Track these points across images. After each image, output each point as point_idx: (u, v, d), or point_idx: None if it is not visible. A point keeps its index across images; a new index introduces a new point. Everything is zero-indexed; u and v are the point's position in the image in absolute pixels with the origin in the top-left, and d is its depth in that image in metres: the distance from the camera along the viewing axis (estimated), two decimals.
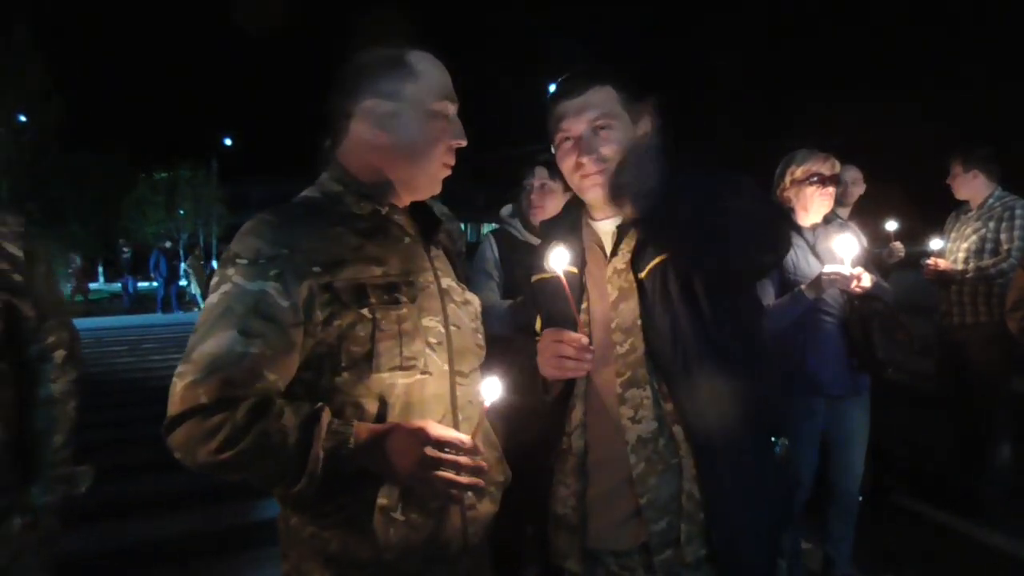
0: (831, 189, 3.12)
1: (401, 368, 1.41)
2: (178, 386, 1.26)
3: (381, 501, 1.38)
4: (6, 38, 22.37)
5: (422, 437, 1.28)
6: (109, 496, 4.62)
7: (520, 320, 1.81)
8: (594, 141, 1.69)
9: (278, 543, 1.51)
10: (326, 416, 1.30)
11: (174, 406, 1.26)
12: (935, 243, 4.44)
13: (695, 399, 1.60)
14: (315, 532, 1.41)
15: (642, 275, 1.66)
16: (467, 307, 1.65)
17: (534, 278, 1.90)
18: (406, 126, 1.51)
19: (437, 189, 1.60)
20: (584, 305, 1.76)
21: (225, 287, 1.34)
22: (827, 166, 3.11)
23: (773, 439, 1.70)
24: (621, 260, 1.73)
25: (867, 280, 2.75)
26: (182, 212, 36.48)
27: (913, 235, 5.12)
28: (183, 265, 24.53)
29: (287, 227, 1.40)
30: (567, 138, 1.73)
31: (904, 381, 5.20)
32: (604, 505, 1.68)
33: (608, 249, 1.76)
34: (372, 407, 1.40)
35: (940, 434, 4.92)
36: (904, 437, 5.37)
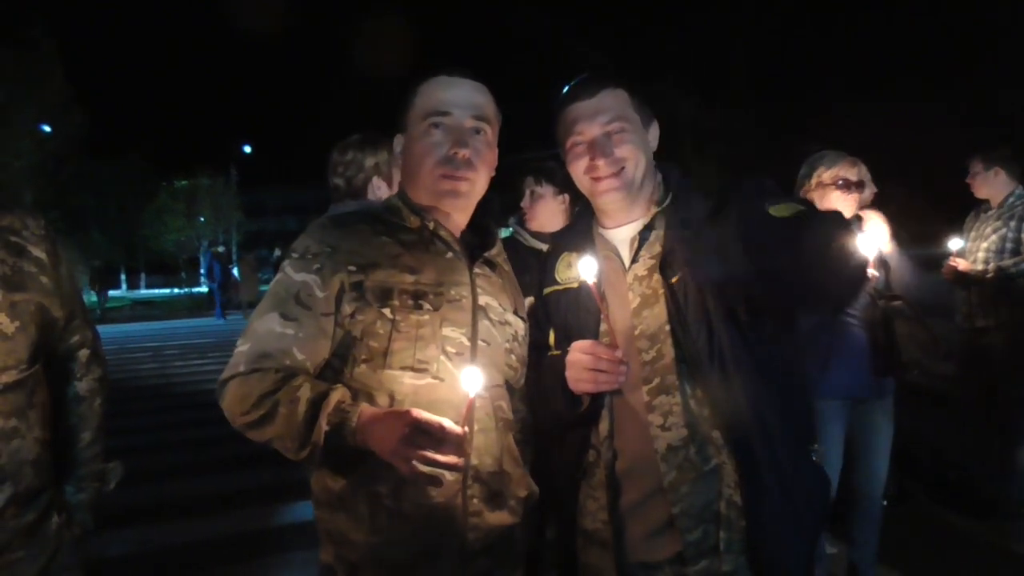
0: (856, 195, 3.10)
1: (413, 369, 1.51)
2: (233, 354, 1.50)
3: (377, 488, 1.49)
4: (29, 49, 22.67)
5: (406, 419, 1.31)
6: (137, 500, 4.69)
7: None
8: (608, 144, 1.68)
9: (304, 547, 1.58)
10: (336, 394, 1.42)
11: (225, 372, 1.49)
12: (954, 243, 4.38)
13: (735, 403, 1.57)
14: (320, 515, 1.58)
15: (674, 280, 1.63)
16: (504, 327, 1.68)
17: (547, 290, 1.86)
18: (406, 151, 1.69)
19: (449, 199, 1.64)
20: (603, 317, 1.73)
21: (279, 276, 1.57)
22: (854, 171, 3.09)
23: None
24: (643, 266, 1.70)
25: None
26: (202, 219, 36.78)
27: (930, 237, 5.09)
28: (234, 270, 24.67)
29: (335, 230, 1.60)
30: (578, 143, 1.71)
31: (927, 384, 5.16)
32: (635, 516, 1.66)
33: (627, 256, 1.74)
34: (383, 401, 1.50)
35: (963, 438, 4.87)
36: (927, 441, 5.32)
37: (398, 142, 1.73)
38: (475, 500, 1.56)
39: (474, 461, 1.55)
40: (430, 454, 1.27)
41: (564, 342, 1.73)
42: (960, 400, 4.86)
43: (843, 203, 3.10)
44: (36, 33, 22.85)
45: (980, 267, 4.30)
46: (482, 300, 1.64)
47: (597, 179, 1.70)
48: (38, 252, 1.71)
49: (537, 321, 1.85)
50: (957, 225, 4.65)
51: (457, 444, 1.28)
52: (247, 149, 39.63)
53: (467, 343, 1.57)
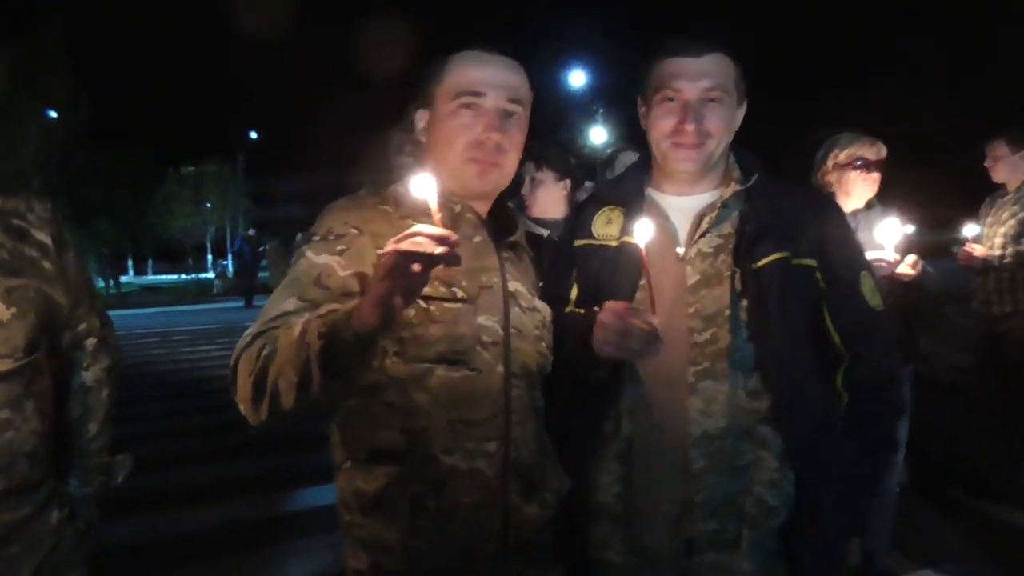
0: (876, 175, 3.03)
1: (447, 361, 1.43)
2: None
3: (417, 488, 1.42)
4: (35, 38, 22.62)
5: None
6: (145, 487, 4.67)
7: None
8: (702, 111, 1.61)
9: (319, 533, 1.53)
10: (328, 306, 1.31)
11: (233, 356, 1.35)
12: (970, 229, 4.31)
13: (804, 404, 1.55)
14: (351, 520, 1.48)
15: (758, 265, 1.57)
16: (533, 314, 1.61)
17: (578, 242, 1.78)
18: (432, 130, 1.59)
19: (477, 186, 1.57)
20: (641, 282, 1.66)
21: (299, 260, 1.46)
22: (873, 151, 3.03)
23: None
24: (708, 243, 1.64)
25: (907, 267, 2.67)
26: (209, 206, 36.83)
27: (943, 223, 5.01)
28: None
29: (359, 211, 1.51)
30: (671, 99, 1.63)
31: (944, 373, 5.10)
32: (648, 496, 1.62)
33: (684, 228, 1.67)
34: (417, 395, 1.42)
35: (977, 426, 4.82)
36: (940, 429, 5.27)
37: (421, 117, 1.63)
38: (514, 495, 1.49)
39: (512, 453, 1.49)
40: (421, 241, 1.08)
41: (588, 301, 1.67)
42: (975, 387, 4.80)
43: (862, 183, 3.04)
44: (43, 22, 22.84)
45: (997, 252, 4.23)
46: (511, 286, 1.57)
47: (679, 145, 1.63)
48: (42, 236, 1.65)
49: (557, 272, 1.78)
50: (973, 210, 4.58)
51: (451, 243, 1.10)
52: (253, 136, 39.59)
53: (501, 332, 1.50)
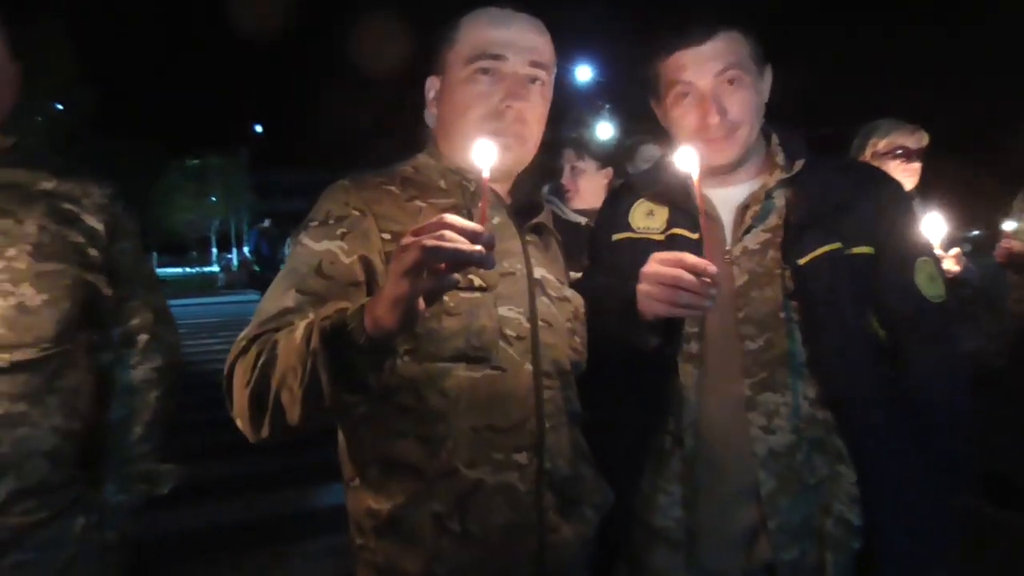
0: (916, 164, 2.88)
1: (467, 359, 1.27)
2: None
3: (435, 507, 1.24)
4: (38, 26, 22.58)
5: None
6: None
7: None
8: (723, 98, 1.46)
9: (328, 533, 1.36)
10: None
11: (227, 361, 1.18)
12: (1009, 224, 4.15)
13: (865, 414, 1.39)
14: (363, 543, 1.31)
15: (802, 261, 1.42)
16: (564, 304, 1.43)
17: (617, 236, 1.62)
18: (444, 99, 1.43)
19: (496, 162, 1.27)
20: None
21: (296, 249, 1.30)
22: (913, 139, 2.87)
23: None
24: (755, 239, 1.49)
25: (953, 263, 2.52)
26: (213, 199, 36.78)
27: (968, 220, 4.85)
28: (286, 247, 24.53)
29: (361, 192, 1.34)
30: (685, 93, 1.48)
31: (981, 374, 4.96)
32: (716, 520, 1.46)
33: (729, 222, 1.52)
34: (434, 400, 1.25)
35: (1011, 426, 4.67)
36: (976, 434, 5.12)
37: (431, 85, 1.47)
38: (550, 513, 1.30)
39: (546, 464, 1.31)
40: (451, 236, 0.90)
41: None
42: (1009, 386, 4.64)
43: (902, 174, 2.88)
44: (44, 10, 22.80)
45: None
46: (537, 273, 1.39)
47: (707, 141, 1.47)
48: (93, 222, 1.54)
49: (602, 265, 1.62)
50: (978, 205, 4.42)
51: (486, 241, 0.92)
52: (258, 128, 39.54)
53: (527, 324, 1.33)
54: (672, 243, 1.51)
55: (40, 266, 1.44)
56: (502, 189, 1.46)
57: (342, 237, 1.27)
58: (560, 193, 3.14)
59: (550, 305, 1.39)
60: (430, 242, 0.88)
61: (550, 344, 1.36)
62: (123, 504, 1.61)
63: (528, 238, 1.43)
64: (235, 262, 34.25)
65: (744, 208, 1.51)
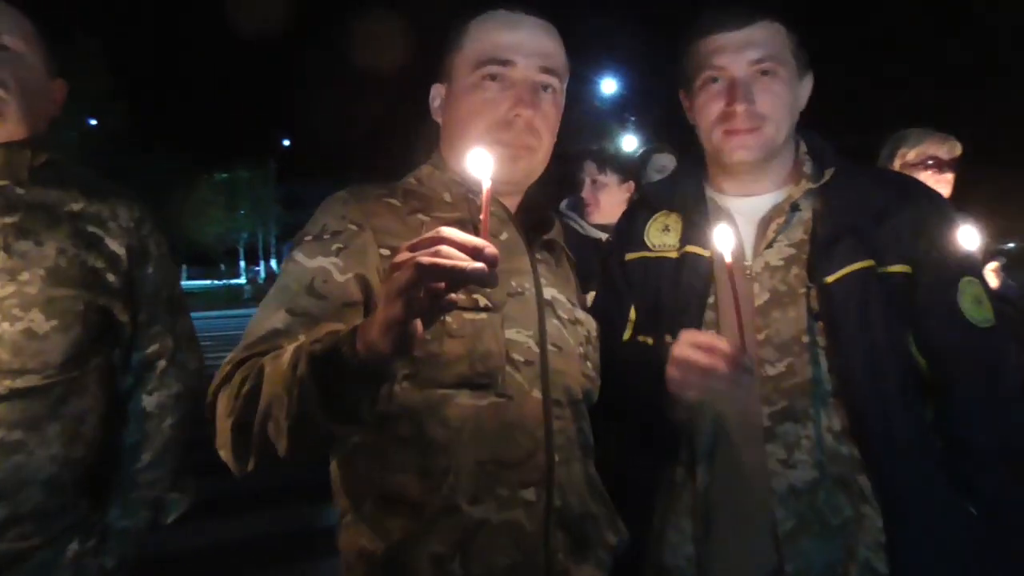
0: (949, 175, 2.79)
1: (471, 385, 1.17)
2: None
3: (434, 548, 1.14)
4: (72, 44, 23.07)
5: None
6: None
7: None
8: (754, 88, 1.36)
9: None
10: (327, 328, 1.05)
11: (210, 388, 1.10)
12: None
13: (899, 447, 1.27)
14: None
15: (830, 279, 1.31)
16: (575, 327, 1.35)
17: (630, 256, 1.53)
18: (449, 107, 1.35)
19: (505, 174, 1.24)
20: (710, 300, 1.41)
21: (288, 266, 1.21)
22: (945, 148, 2.78)
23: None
24: (778, 254, 1.38)
25: (993, 278, 2.45)
26: (242, 212, 37.17)
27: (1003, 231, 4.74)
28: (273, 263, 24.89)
29: (358, 203, 1.25)
30: (715, 79, 1.39)
31: None
32: (730, 560, 1.34)
33: (751, 235, 1.42)
34: (434, 430, 1.16)
35: None
36: None
37: (436, 93, 1.39)
38: (559, 555, 1.21)
39: (556, 501, 1.21)
40: (449, 252, 0.80)
41: (648, 325, 1.45)
42: None
43: (934, 185, 2.79)
44: (76, 28, 23.34)
45: None
46: (547, 293, 1.31)
47: (730, 133, 1.38)
48: (116, 247, 1.52)
49: (615, 290, 1.53)
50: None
51: (488, 258, 0.80)
52: (286, 142, 39.94)
53: (535, 348, 1.24)
54: (685, 260, 1.44)
55: (52, 291, 1.42)
56: (511, 203, 1.38)
57: (337, 253, 1.18)
58: (580, 207, 3.11)
59: (561, 328, 1.31)
60: (426, 259, 0.79)
61: (560, 370, 1.27)
62: (126, 530, 1.58)
63: (538, 256, 1.35)
64: (262, 274, 34.52)
65: (767, 220, 1.40)
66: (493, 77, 1.29)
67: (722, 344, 1.19)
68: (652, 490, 1.42)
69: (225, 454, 1.06)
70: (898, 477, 1.27)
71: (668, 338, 1.33)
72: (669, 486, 1.41)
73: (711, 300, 1.40)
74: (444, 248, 0.80)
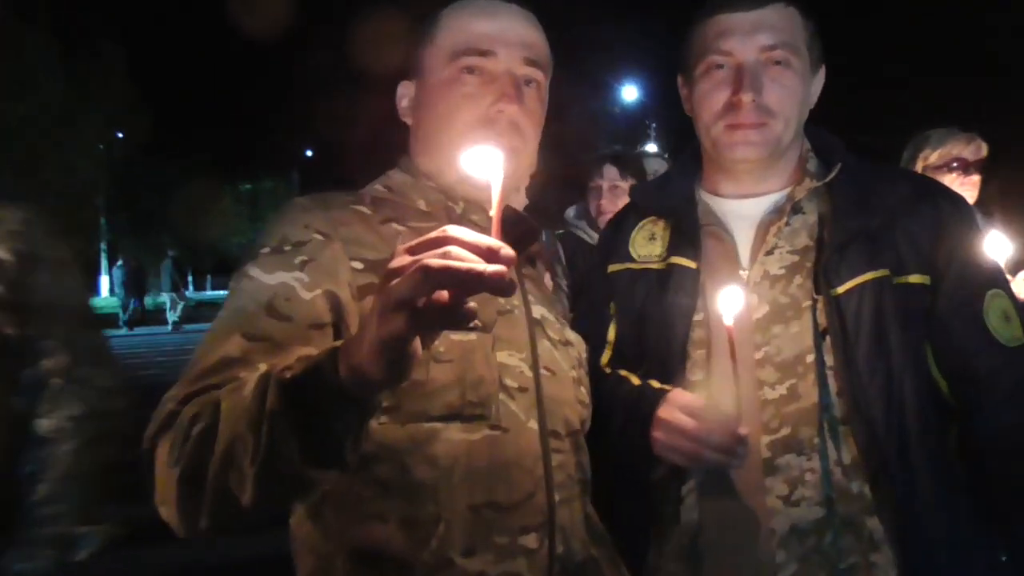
0: (975, 178, 2.64)
1: (461, 417, 1.03)
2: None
3: None
4: (98, 56, 23.42)
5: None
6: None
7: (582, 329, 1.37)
8: (762, 78, 1.21)
9: None
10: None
11: (147, 434, 0.93)
12: None
13: (917, 483, 1.13)
14: None
15: (839, 290, 1.18)
16: (567, 349, 1.22)
17: (612, 267, 1.40)
18: (421, 105, 1.23)
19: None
20: (698, 318, 1.27)
21: (241, 284, 1.05)
22: (970, 149, 2.64)
23: None
24: (778, 262, 1.24)
25: (1020, 287, 2.30)
26: (266, 223, 37.58)
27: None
28: None
29: (323, 211, 1.11)
30: (720, 65, 1.24)
31: None
32: None
33: (747, 240, 1.28)
34: (420, 471, 1.01)
35: None
36: None
37: (404, 92, 1.27)
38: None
39: (558, 548, 1.07)
40: (459, 253, 0.67)
41: (630, 343, 1.32)
42: None
43: (959, 188, 2.65)
44: (100, 39, 23.65)
45: None
46: (536, 311, 1.18)
47: (733, 127, 1.24)
48: (2, 252, 1.39)
49: (594, 307, 1.40)
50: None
51: (506, 260, 0.69)
52: (309, 153, 40.27)
53: (529, 373, 1.10)
54: (672, 273, 1.30)
55: None
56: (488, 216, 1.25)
57: (301, 267, 1.03)
58: (588, 216, 3.00)
59: (552, 350, 1.18)
60: (435, 262, 0.66)
61: (555, 397, 1.14)
62: (26, 572, 1.42)
63: (524, 270, 1.22)
64: None
65: (766, 223, 1.28)
66: (471, 70, 1.16)
67: (714, 414, 1.07)
68: (640, 527, 1.27)
69: (168, 512, 0.90)
70: (916, 519, 1.13)
71: (654, 385, 1.20)
72: (659, 523, 1.26)
73: (699, 317, 1.25)
74: (454, 249, 0.67)
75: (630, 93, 25.66)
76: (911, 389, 1.17)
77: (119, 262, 20.08)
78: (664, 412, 1.14)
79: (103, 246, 29.32)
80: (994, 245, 2.27)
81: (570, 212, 3.13)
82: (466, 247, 0.68)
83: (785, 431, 1.18)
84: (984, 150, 2.68)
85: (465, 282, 0.67)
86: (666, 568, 1.26)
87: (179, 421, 0.89)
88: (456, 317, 0.70)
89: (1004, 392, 1.18)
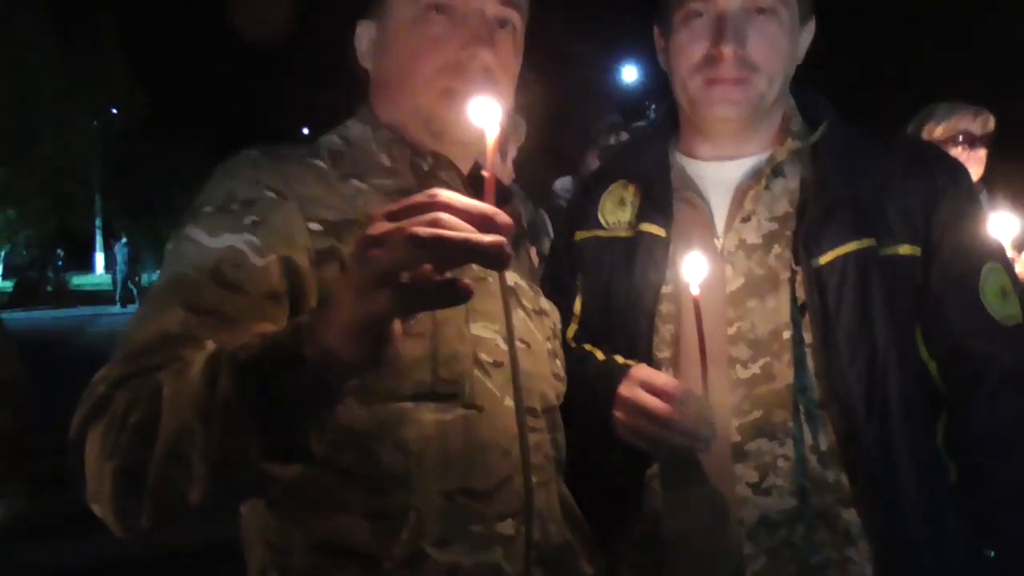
0: (981, 152, 2.58)
1: (433, 396, 0.93)
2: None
3: None
4: (94, 34, 23.30)
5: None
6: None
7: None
8: (746, 28, 1.10)
9: None
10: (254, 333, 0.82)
11: (74, 421, 0.81)
12: None
13: (899, 474, 1.05)
14: None
15: (821, 261, 1.08)
16: (542, 318, 1.13)
17: (580, 235, 1.29)
18: (383, 49, 1.09)
19: (456, 131, 1.04)
20: (667, 290, 1.17)
21: (179, 247, 0.91)
22: (977, 123, 2.58)
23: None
24: (756, 230, 1.14)
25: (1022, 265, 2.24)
26: None
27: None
28: None
29: (275, 165, 0.98)
30: (699, 13, 1.12)
31: None
32: None
33: (724, 206, 1.18)
34: (389, 456, 0.91)
35: None
36: None
37: (364, 32, 1.13)
38: None
39: (535, 534, 0.98)
40: (451, 221, 0.61)
41: (596, 317, 1.23)
42: None
43: (964, 163, 2.59)
44: (97, 19, 23.56)
45: None
46: (510, 279, 1.07)
47: (712, 81, 1.12)
48: None
49: (559, 278, 1.30)
50: None
51: (503, 229, 0.62)
52: (305, 131, 40.06)
53: (503, 347, 1.00)
54: (640, 241, 1.20)
55: None
56: (463, 166, 1.12)
57: (252, 229, 0.90)
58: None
59: (527, 320, 1.09)
60: (425, 230, 0.59)
61: (531, 372, 1.04)
62: None
63: None
64: None
65: (744, 188, 1.17)
66: (439, 8, 1.03)
67: (679, 390, 0.99)
68: (601, 514, 1.16)
69: (102, 509, 0.79)
70: (895, 512, 1.05)
71: (620, 360, 1.11)
72: (621, 512, 1.17)
73: (667, 290, 1.16)
74: (443, 216, 0.60)
75: (630, 74, 25.50)
76: (896, 371, 1.07)
77: (123, 239, 20.19)
78: (625, 390, 1.05)
79: (98, 223, 29.24)
80: (998, 223, 2.20)
81: (560, 184, 3.05)
82: (457, 214, 0.60)
83: (757, 414, 1.09)
84: (991, 124, 2.61)
85: (458, 254, 0.60)
86: (630, 557, 1.17)
87: (112, 408, 0.78)
88: (449, 294, 0.62)
89: (999, 377, 1.08)
